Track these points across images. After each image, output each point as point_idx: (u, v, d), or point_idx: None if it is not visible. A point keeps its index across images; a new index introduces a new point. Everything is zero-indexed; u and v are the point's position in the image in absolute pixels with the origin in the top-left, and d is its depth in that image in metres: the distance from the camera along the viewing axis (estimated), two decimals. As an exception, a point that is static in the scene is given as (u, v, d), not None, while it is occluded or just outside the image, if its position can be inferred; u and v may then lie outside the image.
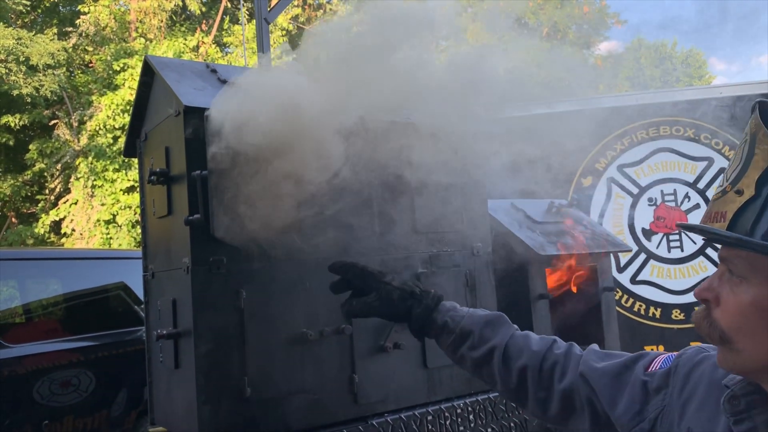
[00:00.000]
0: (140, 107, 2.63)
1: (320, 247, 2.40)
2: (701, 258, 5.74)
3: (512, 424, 2.86)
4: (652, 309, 5.73)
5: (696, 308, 1.17)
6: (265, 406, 2.23)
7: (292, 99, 1.90)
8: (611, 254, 3.39)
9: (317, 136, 2.03)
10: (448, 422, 2.65)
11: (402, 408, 2.56)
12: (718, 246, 1.11)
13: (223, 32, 18.32)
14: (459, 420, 2.68)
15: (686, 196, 5.85)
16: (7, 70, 14.78)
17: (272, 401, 2.25)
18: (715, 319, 1.07)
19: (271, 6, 4.71)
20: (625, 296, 5.76)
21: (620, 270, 5.77)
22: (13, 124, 16.03)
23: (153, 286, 2.55)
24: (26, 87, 15.06)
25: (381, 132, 2.39)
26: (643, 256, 5.81)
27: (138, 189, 3.31)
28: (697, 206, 5.84)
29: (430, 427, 2.59)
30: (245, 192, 2.07)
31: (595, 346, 1.59)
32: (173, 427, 2.38)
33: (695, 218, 5.68)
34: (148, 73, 2.51)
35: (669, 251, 5.79)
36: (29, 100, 15.51)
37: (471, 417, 2.72)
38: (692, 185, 5.84)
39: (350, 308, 1.93)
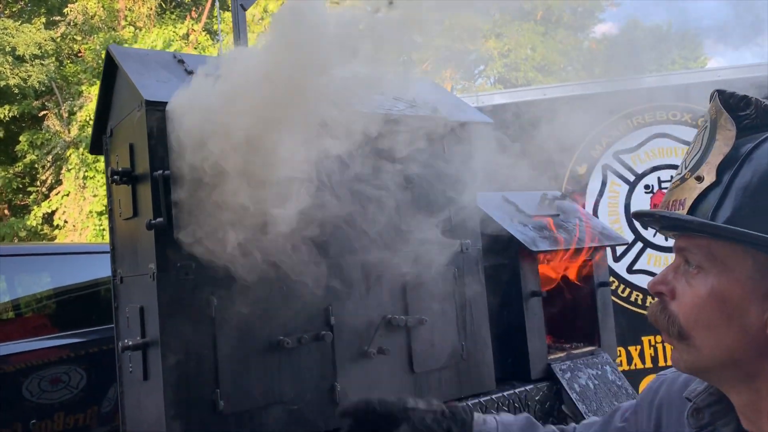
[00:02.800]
0: (105, 101, 2.48)
1: (298, 250, 2.26)
2: (699, 246, 5.61)
3: (504, 429, 2.73)
4: (649, 299, 5.61)
5: (650, 302, 1.08)
6: (239, 419, 2.10)
7: (257, 91, 1.75)
8: (606, 248, 3.25)
9: (287, 131, 1.88)
10: (436, 429, 2.52)
11: (387, 416, 2.43)
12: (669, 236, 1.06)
13: (214, 19, 18.07)
14: (448, 427, 2.55)
15: (684, 182, 5.71)
16: (-7, 61, 14.54)
17: (247, 414, 2.12)
18: (673, 313, 1.01)
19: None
20: (622, 286, 5.64)
21: (616, 260, 5.65)
22: (2, 116, 15.82)
23: (121, 291, 2.41)
24: (13, 78, 14.84)
25: (359, 124, 2.24)
26: (639, 245, 5.68)
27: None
28: (694, 193, 5.70)
29: (417, 435, 2.46)
30: (211, 193, 1.93)
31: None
32: (144, 442, 2.25)
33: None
34: (112, 65, 2.36)
35: (666, 239, 5.65)
36: (17, 91, 15.28)
37: (460, 423, 2.59)
38: (690, 171, 5.70)
39: None
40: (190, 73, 2.20)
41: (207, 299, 2.07)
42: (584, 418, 2.80)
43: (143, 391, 2.19)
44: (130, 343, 2.10)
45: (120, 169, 2.15)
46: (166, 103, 1.97)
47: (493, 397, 2.74)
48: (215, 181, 1.85)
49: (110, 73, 2.40)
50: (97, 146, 2.59)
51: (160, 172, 1.93)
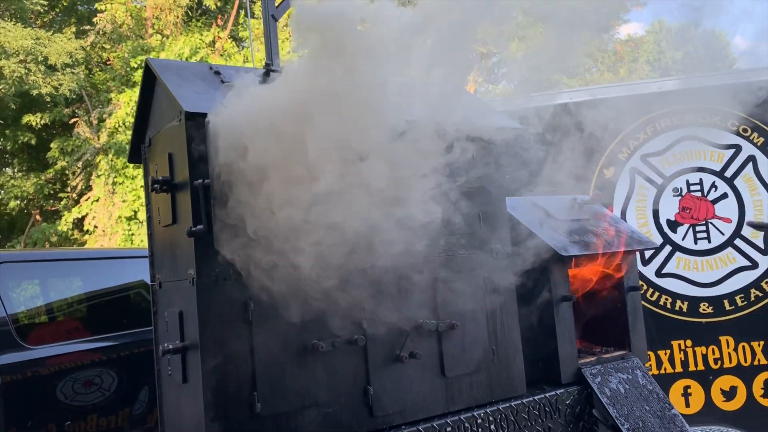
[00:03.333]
0: (144, 111, 2.55)
1: (333, 253, 2.31)
2: (729, 249, 5.55)
3: (535, 433, 2.75)
4: (678, 302, 5.56)
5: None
6: (276, 421, 2.15)
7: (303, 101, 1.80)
8: (636, 252, 3.25)
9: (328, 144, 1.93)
10: (468, 432, 2.55)
11: (420, 420, 2.47)
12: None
13: (239, 26, 18.26)
14: (480, 430, 2.58)
15: (713, 185, 5.66)
16: (26, 71, 14.85)
17: (284, 416, 2.16)
18: None
19: (278, 2, 4.61)
20: (651, 290, 5.59)
21: (645, 263, 5.61)
22: (34, 123, 16.15)
23: (161, 296, 2.47)
24: (45, 86, 15.14)
25: (393, 134, 2.28)
26: (668, 248, 5.64)
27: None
28: (724, 196, 5.64)
29: (449, 438, 2.49)
30: (250, 201, 1.98)
31: None
32: (183, 443, 2.31)
33: (723, 208, 5.49)
34: (150, 76, 2.43)
35: (695, 243, 5.61)
36: (48, 99, 15.59)
37: (492, 427, 2.62)
38: (719, 174, 5.65)
39: None
40: (225, 83, 2.25)
41: (244, 304, 2.12)
42: (615, 422, 2.80)
43: (182, 393, 2.25)
44: (170, 346, 2.16)
45: (160, 177, 2.21)
46: (204, 114, 2.03)
47: (524, 401, 2.75)
48: (259, 190, 1.89)
49: (148, 84, 2.47)
50: (135, 155, 2.66)
51: (201, 181, 1.99)
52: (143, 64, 2.45)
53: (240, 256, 2.03)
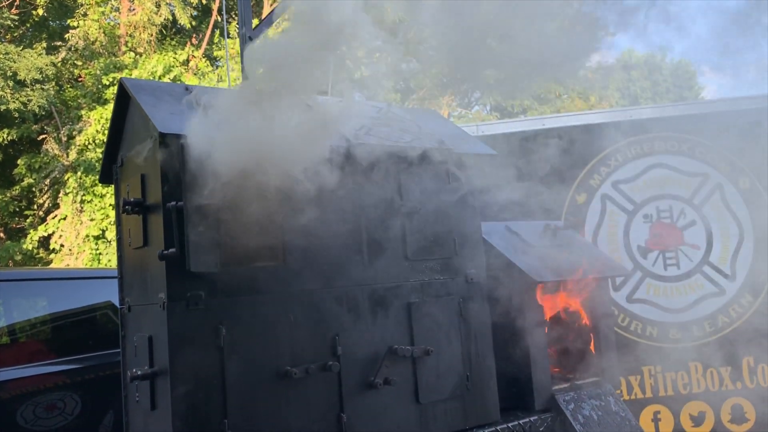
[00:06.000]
0: (116, 131, 2.50)
1: (305, 277, 2.28)
2: (698, 276, 5.64)
3: (509, 460, 2.73)
4: (649, 328, 5.62)
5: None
6: (247, 450, 2.10)
7: (271, 128, 1.79)
8: (608, 278, 3.27)
9: (297, 164, 1.91)
10: (441, 460, 2.52)
11: (393, 447, 2.43)
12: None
13: (214, 46, 18.21)
14: (453, 458, 2.55)
15: (682, 212, 5.75)
16: (-6, 85, 14.59)
17: (255, 445, 2.11)
18: None
19: (255, 25, 4.61)
20: (622, 315, 5.64)
21: (616, 289, 5.66)
22: (1, 140, 15.84)
23: (129, 320, 2.41)
24: (14, 102, 14.89)
25: (368, 158, 2.28)
26: (639, 274, 5.70)
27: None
28: (693, 223, 5.74)
29: (422, 466, 2.46)
30: (225, 224, 1.95)
31: None
32: (150, 473, 2.24)
33: (691, 235, 5.58)
34: (124, 96, 2.39)
35: (665, 269, 5.68)
36: (17, 115, 15.32)
37: (466, 454, 2.59)
38: (688, 201, 5.75)
39: None
40: (189, 90, 2.23)
41: (216, 329, 2.08)
42: (588, 450, 2.80)
43: (150, 421, 2.19)
44: (139, 372, 2.10)
45: (132, 199, 2.17)
46: (178, 135, 2.00)
47: (498, 428, 2.74)
48: (235, 211, 1.87)
49: (122, 103, 2.43)
50: (106, 175, 2.61)
51: (174, 203, 1.95)
52: (116, 82, 2.42)
53: (212, 276, 1.99)
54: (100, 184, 15.00)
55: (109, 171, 2.60)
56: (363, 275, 2.47)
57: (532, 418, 2.86)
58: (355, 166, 2.35)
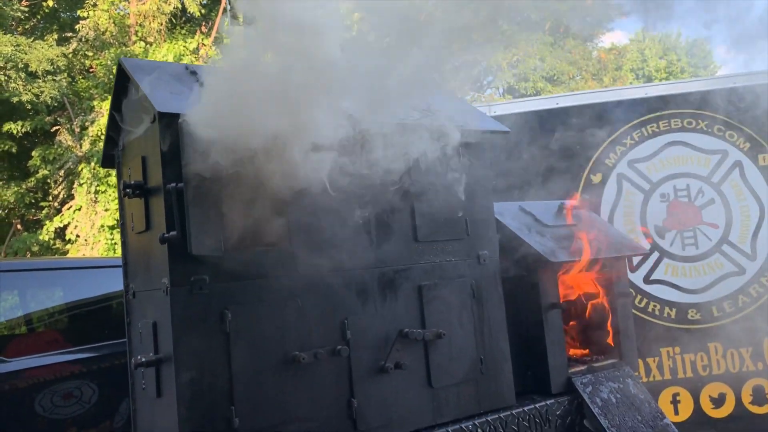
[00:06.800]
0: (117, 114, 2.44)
1: (312, 261, 2.22)
2: (717, 255, 5.52)
3: (525, 445, 2.67)
4: (666, 309, 5.52)
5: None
6: (255, 437, 2.05)
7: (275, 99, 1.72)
8: (626, 258, 3.18)
9: (303, 140, 1.84)
10: (455, 446, 2.46)
11: (405, 433, 2.37)
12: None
13: (224, 33, 18.14)
14: (467, 443, 2.49)
15: (700, 191, 5.63)
16: (6, 78, 14.63)
17: (263, 432, 2.06)
18: None
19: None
20: (639, 296, 5.54)
21: (633, 270, 5.55)
22: (15, 132, 15.91)
23: (134, 306, 2.37)
24: (26, 94, 14.92)
25: (376, 134, 2.20)
26: (656, 255, 5.59)
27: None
28: (711, 201, 5.62)
29: (436, 451, 2.40)
30: (226, 205, 1.88)
31: None
32: (157, 461, 2.20)
33: (710, 214, 5.46)
34: (124, 77, 2.33)
35: (683, 249, 5.57)
36: (29, 107, 15.37)
37: (480, 439, 2.53)
38: (706, 179, 5.62)
39: None
40: (203, 84, 2.16)
41: (221, 314, 2.03)
42: (607, 433, 2.72)
43: (156, 408, 2.14)
44: (143, 359, 2.05)
45: (132, 182, 2.11)
46: (179, 114, 1.94)
47: (514, 412, 2.67)
48: (236, 191, 1.80)
49: (122, 85, 2.37)
50: (108, 160, 2.56)
51: (174, 185, 1.89)
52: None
53: (215, 259, 1.93)
54: (114, 174, 15.03)
55: (111, 156, 2.54)
56: (371, 257, 2.40)
57: (548, 402, 2.79)
58: (362, 143, 2.28)
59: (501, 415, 2.63)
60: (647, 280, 5.62)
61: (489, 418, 2.58)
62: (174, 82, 2.19)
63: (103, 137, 16.03)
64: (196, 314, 2.00)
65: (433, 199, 2.54)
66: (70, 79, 17.29)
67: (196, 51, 16.65)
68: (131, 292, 2.38)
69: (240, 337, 2.05)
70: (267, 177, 1.93)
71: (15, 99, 14.82)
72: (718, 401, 5.18)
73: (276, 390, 2.10)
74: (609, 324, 3.14)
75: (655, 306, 5.59)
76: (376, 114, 2.24)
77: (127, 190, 2.11)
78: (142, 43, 16.77)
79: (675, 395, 5.29)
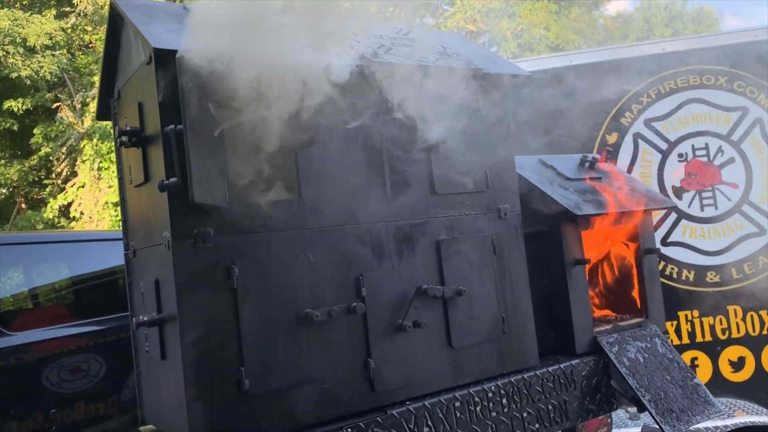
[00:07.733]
0: (111, 62, 2.28)
1: (323, 212, 2.07)
2: (737, 216, 5.35)
3: (550, 407, 2.53)
4: (685, 272, 5.38)
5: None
6: (267, 399, 1.92)
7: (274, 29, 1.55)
8: (652, 212, 3.02)
9: (310, 80, 1.68)
10: (478, 408, 2.33)
11: (425, 395, 2.24)
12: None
13: None
14: (491, 405, 2.36)
15: (719, 149, 5.45)
16: (5, 53, 14.45)
17: (275, 394, 1.93)
18: None
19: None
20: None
21: (651, 231, 5.40)
22: (16, 109, 15.76)
23: (135, 265, 2.23)
24: (25, 69, 14.74)
25: (388, 79, 2.04)
26: (674, 216, 5.43)
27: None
28: (731, 160, 5.44)
29: (458, 414, 2.27)
30: (230, 150, 1.73)
31: None
32: (163, 426, 2.07)
33: (730, 174, 5.29)
34: (116, 19, 2.16)
35: (702, 210, 5.41)
36: (29, 82, 15.19)
37: (504, 401, 2.40)
38: (725, 138, 5.43)
39: None
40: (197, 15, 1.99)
41: (228, 269, 1.88)
42: (635, 394, 2.59)
43: (161, 371, 2.01)
44: (145, 318, 1.91)
45: (128, 128, 1.96)
46: (176, 51, 1.77)
47: (537, 372, 2.54)
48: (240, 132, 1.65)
49: (115, 29, 2.21)
50: (104, 112, 2.40)
51: (173, 126, 1.73)
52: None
53: (219, 207, 1.78)
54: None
55: (107, 107, 2.39)
56: (387, 211, 2.25)
57: (573, 362, 2.65)
58: (374, 87, 2.12)
59: (524, 376, 2.49)
60: (665, 242, 5.47)
61: (512, 379, 2.45)
62: (171, 20, 2.02)
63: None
64: (201, 269, 1.86)
65: (451, 148, 2.37)
66: (69, 56, 17.09)
67: None
68: (131, 251, 2.24)
69: (249, 294, 1.91)
70: (274, 119, 1.78)
71: (14, 75, 14.64)
72: (738, 365, 5.06)
73: (288, 350, 1.96)
74: (635, 281, 2.99)
75: (673, 269, 5.45)
76: (388, 56, 2.08)
77: (123, 137, 1.96)
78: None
79: (693, 359, 5.18)
